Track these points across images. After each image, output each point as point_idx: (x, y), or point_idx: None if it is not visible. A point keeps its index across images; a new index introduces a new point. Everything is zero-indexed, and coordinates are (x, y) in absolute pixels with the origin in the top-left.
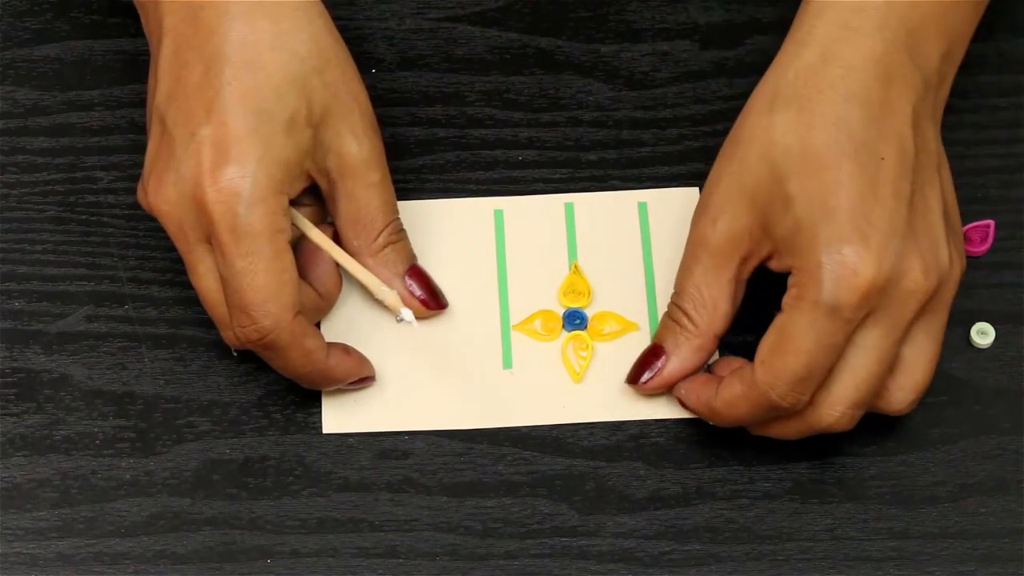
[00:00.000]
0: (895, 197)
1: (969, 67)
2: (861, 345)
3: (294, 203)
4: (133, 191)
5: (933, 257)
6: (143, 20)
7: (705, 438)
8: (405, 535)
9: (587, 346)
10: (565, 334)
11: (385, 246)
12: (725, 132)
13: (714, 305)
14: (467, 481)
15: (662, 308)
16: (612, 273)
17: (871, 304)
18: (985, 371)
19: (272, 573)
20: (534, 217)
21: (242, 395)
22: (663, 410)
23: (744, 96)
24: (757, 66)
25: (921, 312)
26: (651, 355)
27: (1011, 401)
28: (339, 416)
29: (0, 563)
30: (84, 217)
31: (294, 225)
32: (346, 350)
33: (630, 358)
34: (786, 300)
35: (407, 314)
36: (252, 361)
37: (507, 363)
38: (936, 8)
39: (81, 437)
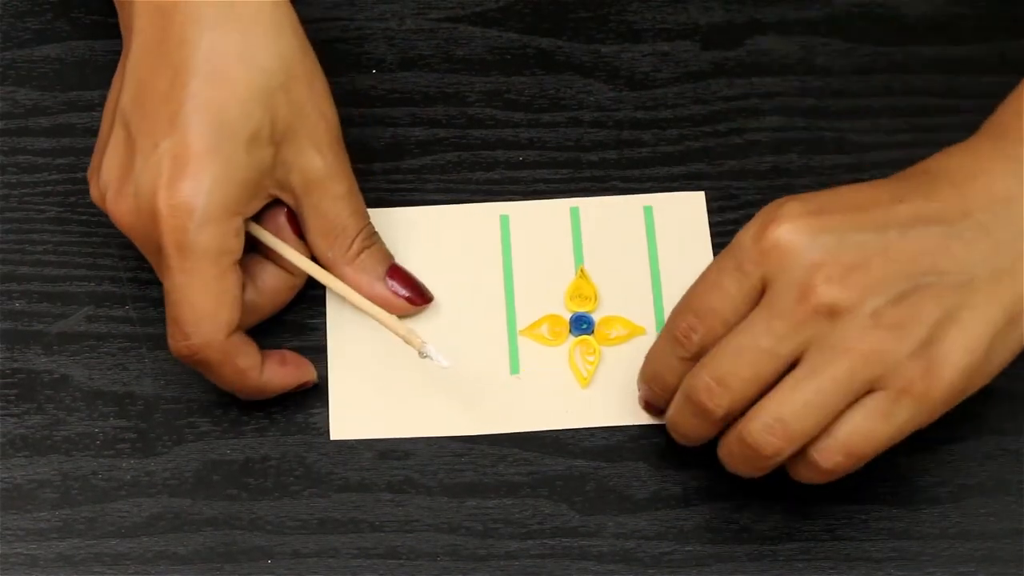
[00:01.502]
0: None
1: (970, 67)
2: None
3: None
4: None
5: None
6: (119, 18)
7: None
8: (406, 536)
9: (594, 351)
10: (572, 339)
11: (360, 252)
12: (726, 132)
13: None
14: (468, 482)
15: (669, 312)
16: (618, 277)
17: (769, 264)
18: None
19: (273, 574)
20: (540, 222)
21: None
22: None
23: (745, 96)
24: (757, 66)
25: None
26: None
27: (1011, 402)
28: (346, 423)
29: (0, 563)
30: (84, 218)
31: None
32: (283, 360)
33: (637, 363)
34: None
35: (431, 350)
36: None
37: (514, 368)
38: None
39: (82, 438)
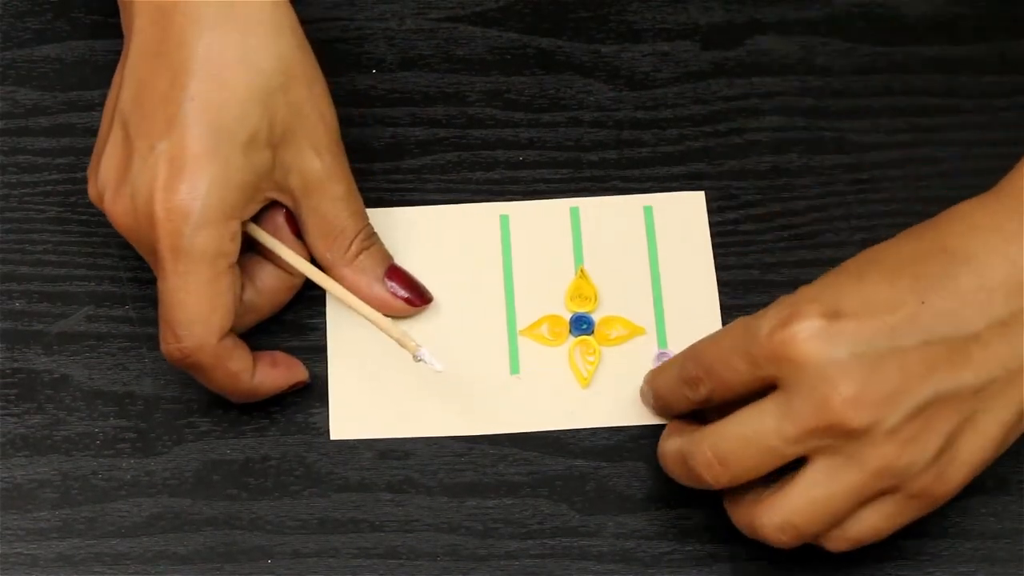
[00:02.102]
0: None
1: (970, 68)
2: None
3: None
4: None
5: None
6: (121, 17)
7: None
8: (406, 535)
9: (594, 351)
10: (572, 339)
11: (359, 253)
12: (726, 132)
13: None
14: (468, 481)
15: (669, 312)
16: (618, 277)
17: (782, 368)
18: None
19: (273, 573)
20: (540, 221)
21: None
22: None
23: (745, 96)
24: (757, 66)
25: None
26: None
27: None
28: (347, 423)
29: (0, 563)
30: (85, 217)
31: (249, 233)
32: (274, 361)
33: (637, 363)
34: None
35: (425, 354)
36: None
37: (514, 368)
38: None
39: (82, 437)
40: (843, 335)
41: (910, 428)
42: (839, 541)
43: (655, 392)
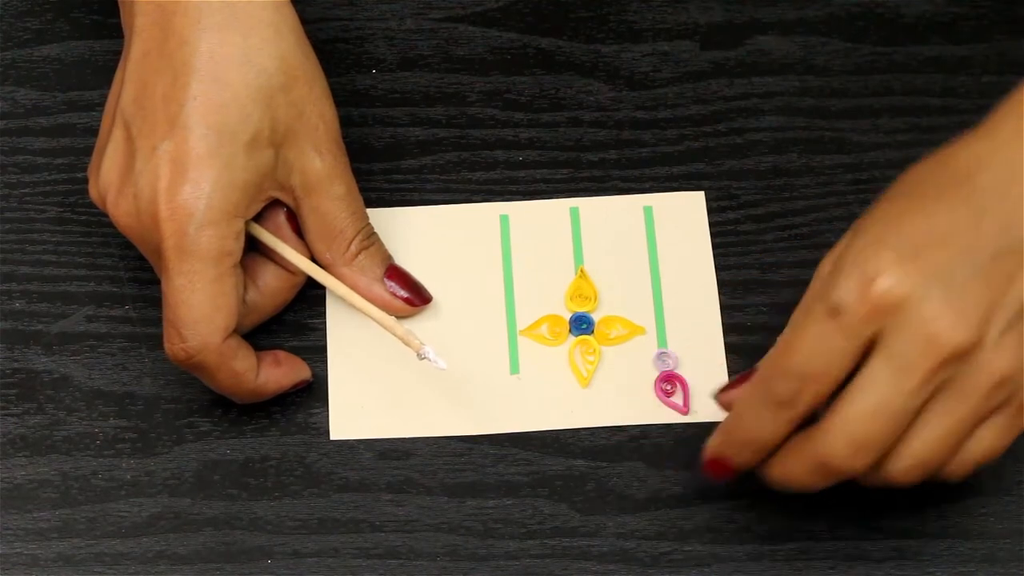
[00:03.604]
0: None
1: (970, 67)
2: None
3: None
4: None
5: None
6: (121, 17)
7: (705, 438)
8: (406, 536)
9: (594, 351)
10: (572, 339)
11: (358, 253)
12: (726, 132)
13: None
14: (468, 481)
15: (668, 312)
16: (618, 277)
17: (884, 320)
18: None
19: (273, 573)
20: (540, 221)
21: None
22: (669, 415)
23: (745, 96)
24: (757, 66)
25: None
26: None
27: None
28: (346, 423)
29: (0, 563)
30: (84, 217)
31: (249, 232)
32: (277, 361)
33: (637, 362)
34: None
35: (430, 352)
36: None
37: (514, 368)
38: None
39: (82, 437)
40: (927, 270)
41: (1012, 337)
42: (957, 468)
43: (740, 440)
